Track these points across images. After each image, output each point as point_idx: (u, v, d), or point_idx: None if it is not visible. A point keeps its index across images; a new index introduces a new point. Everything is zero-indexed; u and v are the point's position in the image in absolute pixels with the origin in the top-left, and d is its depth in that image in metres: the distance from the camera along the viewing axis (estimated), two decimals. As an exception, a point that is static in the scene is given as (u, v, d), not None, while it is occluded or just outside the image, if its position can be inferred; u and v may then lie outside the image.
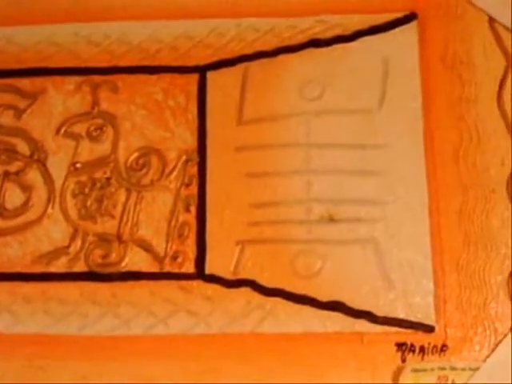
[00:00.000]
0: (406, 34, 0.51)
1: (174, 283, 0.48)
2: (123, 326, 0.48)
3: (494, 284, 0.47)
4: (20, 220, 0.50)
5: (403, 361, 0.46)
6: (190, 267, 0.48)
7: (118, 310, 0.48)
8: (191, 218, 0.49)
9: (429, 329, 0.46)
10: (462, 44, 0.50)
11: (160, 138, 0.51)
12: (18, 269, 0.49)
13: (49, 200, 0.50)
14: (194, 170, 0.50)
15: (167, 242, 0.49)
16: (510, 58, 0.50)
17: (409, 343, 0.46)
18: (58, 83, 0.52)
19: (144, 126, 0.51)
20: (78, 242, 0.50)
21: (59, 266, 0.49)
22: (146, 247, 0.49)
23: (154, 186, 0.50)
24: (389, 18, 0.51)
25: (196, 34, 0.52)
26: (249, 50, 0.51)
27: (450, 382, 0.46)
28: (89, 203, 0.50)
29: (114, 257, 0.49)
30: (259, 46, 0.51)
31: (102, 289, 0.49)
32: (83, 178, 0.50)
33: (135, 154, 0.51)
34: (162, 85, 0.51)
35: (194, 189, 0.50)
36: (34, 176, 0.51)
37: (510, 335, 0.46)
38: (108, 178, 0.50)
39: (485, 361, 0.46)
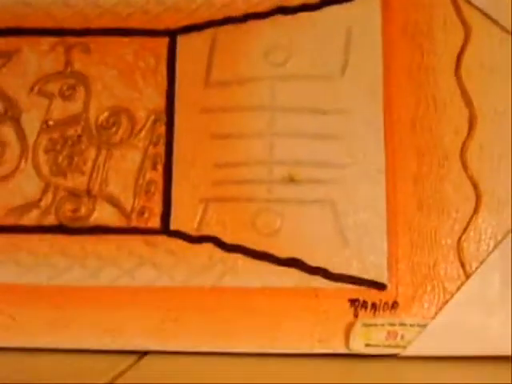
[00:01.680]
0: (370, 5, 0.46)
1: (139, 238, 0.44)
2: (90, 277, 0.44)
3: (444, 246, 0.43)
4: (-8, 174, 0.47)
5: (355, 316, 0.42)
6: (155, 223, 0.44)
7: (86, 262, 0.44)
8: (158, 175, 0.45)
9: (381, 286, 0.42)
10: (423, 15, 0.45)
11: (130, 98, 0.46)
12: None
13: (21, 156, 0.46)
14: (161, 129, 0.45)
15: (134, 198, 0.45)
16: (468, 30, 0.45)
17: (361, 300, 0.42)
18: (32, 43, 0.47)
19: (115, 86, 0.46)
20: (49, 197, 0.45)
21: (31, 219, 0.45)
22: (114, 202, 0.45)
23: (123, 145, 0.45)
24: None
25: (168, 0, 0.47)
26: (218, 16, 0.46)
27: (399, 337, 0.42)
28: (60, 159, 0.45)
29: (83, 211, 0.45)
30: (228, 12, 0.46)
31: (71, 242, 0.44)
32: (55, 136, 0.46)
33: (106, 113, 0.46)
34: (133, 47, 0.46)
35: (161, 148, 0.45)
36: (7, 132, 0.46)
37: (457, 294, 0.42)
38: (79, 136, 0.46)
39: (433, 318, 0.42)
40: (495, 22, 0.45)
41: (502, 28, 0.45)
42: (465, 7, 0.45)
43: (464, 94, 0.44)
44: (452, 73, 0.44)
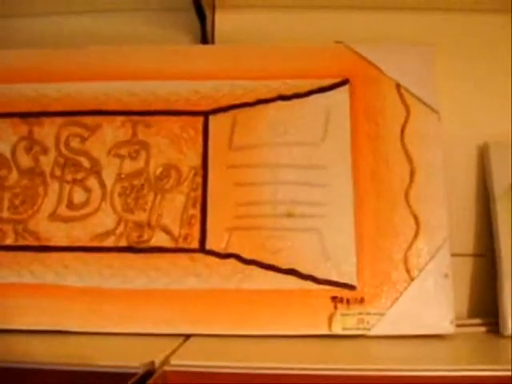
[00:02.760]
0: (341, 93, 0.55)
1: (184, 255, 0.52)
2: (151, 283, 0.52)
3: (395, 259, 0.51)
4: (83, 211, 0.54)
5: (335, 308, 0.51)
6: (195, 244, 0.52)
7: (148, 272, 0.52)
8: (197, 212, 0.53)
9: (352, 287, 0.51)
10: (377, 100, 0.55)
11: (177, 158, 0.54)
12: (82, 243, 0.53)
13: (102, 198, 0.54)
14: (199, 180, 0.54)
15: (180, 227, 0.53)
16: (408, 110, 0.54)
17: (339, 296, 0.51)
18: (109, 121, 0.56)
19: (167, 150, 0.55)
20: (122, 227, 0.53)
21: (109, 242, 0.53)
22: (167, 231, 0.53)
23: (173, 190, 0.54)
24: (330, 82, 0.55)
25: (202, 90, 0.55)
26: (237, 102, 0.55)
27: (365, 322, 0.50)
28: (129, 201, 0.54)
29: (145, 237, 0.53)
30: (244, 99, 0.55)
31: (137, 258, 0.52)
32: (125, 184, 0.54)
33: (160, 169, 0.54)
34: (179, 123, 0.55)
35: (199, 193, 0.53)
36: (92, 182, 0.55)
37: (405, 292, 0.50)
38: (142, 185, 0.54)
39: (389, 309, 0.50)
40: (427, 104, 0.54)
41: (432, 109, 0.54)
42: (406, 94, 0.55)
43: (406, 154, 0.53)
44: (398, 139, 0.54)
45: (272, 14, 0.60)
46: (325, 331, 0.50)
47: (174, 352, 0.47)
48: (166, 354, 0.46)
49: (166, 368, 0.43)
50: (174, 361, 0.44)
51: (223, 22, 0.59)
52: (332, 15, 0.60)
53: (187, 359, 0.45)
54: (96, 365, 0.46)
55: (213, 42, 0.60)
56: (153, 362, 0.44)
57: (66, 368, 0.46)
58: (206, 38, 0.59)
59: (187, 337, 0.51)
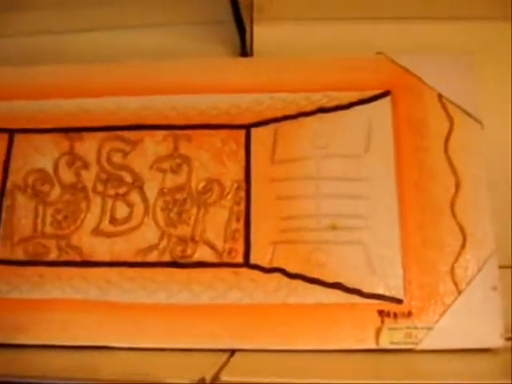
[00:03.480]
0: (383, 104, 0.55)
1: (229, 269, 0.52)
2: (195, 297, 0.51)
3: (442, 272, 0.50)
4: (125, 226, 0.54)
5: (382, 322, 0.50)
6: (239, 259, 0.52)
7: (192, 287, 0.51)
8: (240, 226, 0.53)
9: (399, 301, 0.50)
10: (420, 111, 0.54)
11: (219, 172, 0.54)
12: (125, 259, 0.53)
13: (145, 213, 0.54)
14: (242, 194, 0.53)
15: (224, 242, 0.53)
16: (452, 120, 0.53)
17: (386, 310, 0.50)
18: (150, 135, 0.56)
19: (208, 164, 0.55)
20: (165, 241, 0.53)
21: (152, 257, 0.53)
22: (211, 245, 0.53)
23: (216, 204, 0.54)
24: (372, 94, 0.55)
25: (243, 104, 0.56)
26: (278, 115, 0.55)
27: (413, 336, 0.49)
28: (172, 215, 0.54)
29: (189, 251, 0.53)
30: (285, 112, 0.55)
31: (181, 272, 0.52)
32: (168, 199, 0.54)
33: (203, 183, 0.54)
34: (220, 137, 0.55)
35: (242, 207, 0.53)
36: (134, 197, 0.55)
37: (452, 306, 0.50)
38: (185, 199, 0.54)
39: (437, 322, 0.49)
40: (469, 114, 0.54)
41: (475, 118, 0.54)
42: (448, 104, 0.54)
43: (451, 165, 0.53)
44: (442, 150, 0.53)
45: (309, 26, 0.60)
46: (372, 346, 0.49)
47: (222, 368, 0.46)
48: (215, 370, 0.45)
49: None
50: (224, 377, 0.44)
51: (261, 34, 0.59)
52: (370, 26, 0.60)
53: (237, 375, 0.45)
54: (144, 381, 0.46)
55: (251, 55, 0.60)
56: (203, 379, 0.44)
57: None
58: (245, 50, 0.59)
59: (232, 352, 0.50)
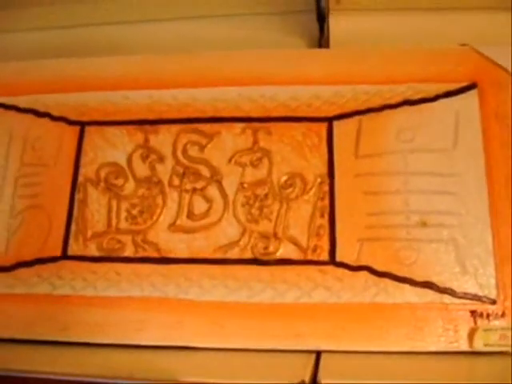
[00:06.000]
0: (470, 96, 0.53)
1: (314, 267, 0.50)
2: (279, 296, 0.50)
3: None
4: (204, 222, 0.53)
5: (475, 323, 0.48)
6: (325, 256, 0.50)
7: (275, 285, 0.50)
8: (325, 222, 0.51)
9: (492, 301, 0.49)
10: (508, 104, 0.52)
11: (301, 166, 0.53)
12: (204, 255, 0.51)
13: (224, 208, 0.53)
14: (326, 188, 0.52)
15: (308, 238, 0.51)
16: None
17: (479, 311, 0.48)
18: (228, 128, 0.54)
19: (290, 158, 0.53)
20: (246, 238, 0.52)
21: (233, 254, 0.51)
22: (294, 242, 0.51)
23: (298, 200, 0.52)
24: (458, 86, 0.53)
25: (323, 95, 0.54)
26: (362, 107, 0.53)
27: (507, 338, 0.47)
28: (253, 211, 0.52)
29: (271, 248, 0.51)
30: (369, 105, 0.53)
31: (264, 270, 0.51)
32: (248, 194, 0.53)
33: (284, 177, 0.53)
34: (301, 130, 0.54)
35: (326, 202, 0.52)
36: (213, 192, 0.53)
37: None
38: (266, 194, 0.53)
39: None
40: None
41: None
42: None
43: None
44: None
45: (386, 16, 0.59)
46: (465, 348, 0.48)
47: (316, 369, 0.45)
48: (310, 372, 0.44)
49: (322, 387, 0.41)
50: (324, 380, 0.43)
51: (338, 25, 0.57)
52: (450, 17, 0.58)
53: (336, 378, 0.43)
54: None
55: (327, 46, 0.59)
56: (303, 381, 0.43)
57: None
58: (321, 41, 0.57)
59: (317, 353, 0.48)
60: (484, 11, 0.58)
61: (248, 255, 0.51)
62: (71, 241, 0.53)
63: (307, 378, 0.43)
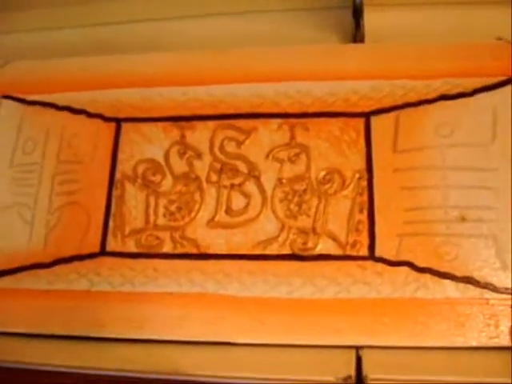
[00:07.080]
0: (508, 92, 0.53)
1: (353, 263, 0.50)
2: (318, 291, 0.50)
3: None
4: (242, 217, 0.53)
5: None
6: (364, 252, 0.50)
7: (315, 281, 0.50)
8: (364, 217, 0.51)
9: None
10: None
11: (339, 162, 0.53)
12: (243, 251, 0.51)
13: (263, 204, 0.53)
14: (364, 184, 0.52)
15: (347, 234, 0.51)
16: None
17: None
18: (265, 123, 0.54)
19: (328, 153, 0.53)
20: (285, 234, 0.52)
21: (272, 250, 0.51)
22: (333, 237, 0.51)
23: (337, 195, 0.52)
24: (495, 81, 0.53)
25: (361, 90, 0.54)
26: (399, 102, 0.53)
27: None
28: (291, 206, 0.52)
29: (310, 244, 0.51)
30: (406, 99, 0.53)
31: (303, 266, 0.50)
32: (286, 189, 0.53)
33: (323, 173, 0.53)
34: (338, 125, 0.53)
35: (365, 197, 0.52)
36: (250, 187, 0.53)
37: None
38: (304, 189, 0.53)
39: None
40: None
41: None
42: None
43: None
44: None
45: (421, 11, 0.58)
46: (506, 343, 0.47)
47: (360, 365, 0.45)
48: (353, 368, 0.44)
49: (371, 382, 0.42)
50: (371, 375, 0.43)
51: (373, 20, 0.57)
52: (485, 11, 0.57)
53: (381, 373, 0.44)
54: (282, 379, 0.44)
55: (362, 42, 0.58)
56: (350, 377, 0.43)
57: (252, 382, 0.45)
58: (356, 37, 0.57)
59: (357, 349, 0.48)
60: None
61: (287, 251, 0.51)
62: (109, 237, 0.53)
63: (352, 373, 0.43)
